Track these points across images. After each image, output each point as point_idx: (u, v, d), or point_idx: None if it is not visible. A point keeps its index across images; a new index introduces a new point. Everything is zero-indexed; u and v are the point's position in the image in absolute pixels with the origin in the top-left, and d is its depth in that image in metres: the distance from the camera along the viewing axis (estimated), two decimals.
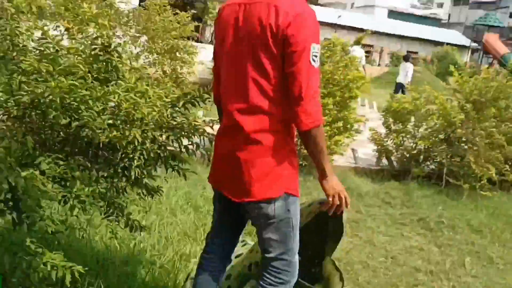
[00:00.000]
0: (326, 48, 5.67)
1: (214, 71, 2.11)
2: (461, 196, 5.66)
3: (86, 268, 1.95)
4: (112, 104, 1.81)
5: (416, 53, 35.50)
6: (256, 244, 2.30)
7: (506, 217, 5.30)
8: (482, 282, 3.73)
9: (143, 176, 2.34)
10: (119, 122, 1.80)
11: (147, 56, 5.05)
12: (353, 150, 6.58)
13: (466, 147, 5.84)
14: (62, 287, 2.18)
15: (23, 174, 1.73)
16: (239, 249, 2.55)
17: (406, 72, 13.29)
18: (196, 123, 2.36)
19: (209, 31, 20.03)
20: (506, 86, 6.13)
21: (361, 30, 35.27)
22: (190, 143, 2.40)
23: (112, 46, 2.16)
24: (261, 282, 2.04)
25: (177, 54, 5.17)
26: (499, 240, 4.64)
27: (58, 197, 1.86)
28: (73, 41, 2.33)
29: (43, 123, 1.92)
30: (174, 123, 2.18)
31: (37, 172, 1.79)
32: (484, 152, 5.75)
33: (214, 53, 2.06)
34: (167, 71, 5.11)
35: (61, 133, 1.99)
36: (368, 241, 4.19)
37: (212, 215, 2.39)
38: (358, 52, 13.76)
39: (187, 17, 5.51)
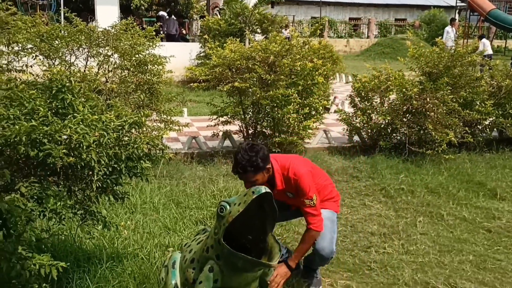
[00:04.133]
0: (284, 43, 6.13)
1: None
2: (424, 163, 6.16)
3: (68, 264, 2.49)
4: (65, 137, 2.32)
5: (404, 20, 35.77)
6: (212, 230, 2.84)
7: (465, 176, 5.80)
8: (430, 238, 4.24)
9: (109, 186, 2.87)
10: (73, 149, 2.32)
11: (121, 73, 5.55)
12: (325, 131, 7.07)
13: (424, 116, 6.30)
14: (52, 282, 2.74)
15: (6, 199, 2.26)
16: (200, 237, 3.09)
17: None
18: (152, 137, 2.91)
19: (196, 26, 20.35)
20: (458, 56, 6.60)
21: (347, 4, 35.55)
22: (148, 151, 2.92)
23: (68, 84, 2.67)
24: None
25: (148, 67, 5.68)
26: (453, 199, 5.14)
27: (36, 213, 2.39)
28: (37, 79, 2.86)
29: (17, 156, 2.44)
30: (125, 140, 2.69)
31: (17, 195, 2.32)
32: (442, 118, 6.22)
33: None
34: (141, 84, 5.62)
35: (34, 161, 2.51)
36: None
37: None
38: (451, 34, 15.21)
39: (154, 29, 5.97)
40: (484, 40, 17.06)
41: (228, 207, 2.72)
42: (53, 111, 2.58)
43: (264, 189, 2.58)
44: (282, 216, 3.39)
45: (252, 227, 2.86)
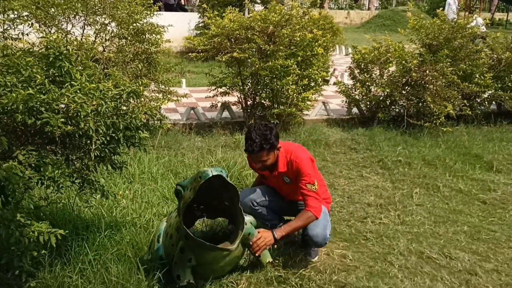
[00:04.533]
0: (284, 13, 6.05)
1: None
2: (422, 135, 6.17)
3: (67, 231, 2.51)
4: (63, 106, 2.31)
5: None
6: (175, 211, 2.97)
7: (462, 149, 5.82)
8: (426, 209, 4.29)
9: (107, 155, 2.87)
10: (70, 118, 2.32)
11: (118, 42, 5.48)
12: (324, 103, 7.05)
13: (423, 89, 6.27)
14: (51, 249, 2.77)
15: (4, 166, 2.26)
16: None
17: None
18: (151, 107, 2.91)
19: None
20: (458, 27, 6.53)
21: None
22: (146, 121, 2.92)
23: (65, 51, 2.65)
24: None
25: (146, 36, 5.61)
26: (450, 171, 5.17)
27: (34, 180, 2.40)
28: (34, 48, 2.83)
29: (15, 124, 2.44)
30: (123, 110, 2.68)
31: (15, 163, 2.33)
32: (440, 91, 6.20)
33: None
34: (139, 53, 5.56)
35: (31, 130, 2.51)
36: (329, 185, 4.72)
37: None
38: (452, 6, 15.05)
39: None
40: (478, 18, 16.95)
41: (182, 191, 2.75)
42: (50, 79, 2.56)
43: (211, 172, 2.59)
44: (277, 206, 3.42)
45: (216, 196, 2.93)
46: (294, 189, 3.25)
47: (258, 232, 3.01)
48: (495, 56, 7.11)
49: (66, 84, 2.54)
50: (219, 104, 6.69)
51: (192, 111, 6.67)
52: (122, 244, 3.23)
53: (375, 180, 4.91)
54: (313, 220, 3.10)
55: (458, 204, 4.41)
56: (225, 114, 6.77)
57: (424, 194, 4.59)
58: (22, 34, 3.86)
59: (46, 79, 2.51)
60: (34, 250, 2.37)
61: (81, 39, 5.18)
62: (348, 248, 3.52)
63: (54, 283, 2.76)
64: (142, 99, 4.65)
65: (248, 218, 3.03)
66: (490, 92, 7.02)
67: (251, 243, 2.96)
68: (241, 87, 6.33)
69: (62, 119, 2.27)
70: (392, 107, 6.75)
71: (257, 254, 2.99)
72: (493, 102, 7.44)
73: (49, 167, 2.44)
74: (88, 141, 2.72)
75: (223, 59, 6.07)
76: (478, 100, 7.20)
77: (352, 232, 3.79)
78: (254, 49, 6.05)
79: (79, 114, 2.28)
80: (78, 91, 2.42)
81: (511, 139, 6.41)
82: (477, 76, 6.81)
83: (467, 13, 20.97)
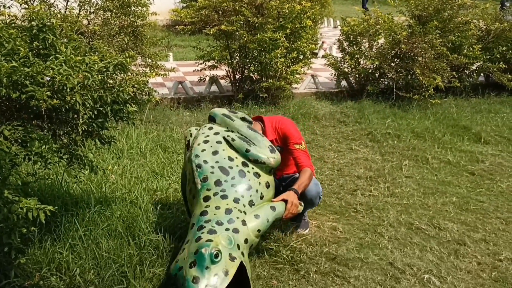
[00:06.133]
0: None
1: None
2: (411, 108, 6.18)
3: (56, 207, 2.48)
4: (48, 78, 2.25)
5: None
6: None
7: (450, 121, 5.85)
8: (415, 180, 4.32)
9: (95, 130, 2.82)
10: (56, 91, 2.26)
11: (103, 15, 5.35)
12: (313, 76, 7.00)
13: (412, 61, 6.25)
14: (40, 225, 2.75)
15: None
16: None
17: None
18: (139, 80, 2.86)
19: None
20: None
21: None
22: (133, 95, 2.87)
23: (49, 23, 2.57)
24: None
25: (131, 8, 5.48)
26: (439, 143, 5.20)
27: (21, 156, 2.35)
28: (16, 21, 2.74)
29: None
30: (110, 83, 2.63)
31: (1, 138, 2.28)
32: (430, 63, 6.19)
33: None
34: (124, 26, 5.44)
35: (16, 104, 2.45)
36: (319, 158, 4.73)
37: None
38: None
39: None
40: None
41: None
42: (34, 52, 2.49)
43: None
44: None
45: None
46: (285, 158, 3.22)
47: (283, 200, 2.84)
48: (484, 27, 7.09)
49: (51, 57, 2.47)
50: (207, 78, 6.61)
51: (180, 86, 6.59)
52: (113, 219, 3.21)
53: (365, 153, 4.91)
54: (312, 176, 3.09)
55: (446, 175, 4.44)
56: (214, 88, 6.70)
57: (413, 166, 4.62)
58: (4, 6, 3.75)
59: (30, 52, 2.44)
60: (23, 226, 2.34)
61: (65, 11, 5.05)
62: (338, 221, 3.54)
63: (44, 259, 2.74)
64: (129, 73, 4.56)
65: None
66: (478, 63, 7.02)
67: (283, 217, 2.84)
68: (229, 61, 6.25)
69: (48, 93, 2.21)
70: (381, 79, 6.73)
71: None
72: (481, 74, 7.44)
73: (36, 142, 2.40)
74: (75, 116, 2.66)
75: (211, 32, 5.98)
76: (467, 72, 7.20)
77: (342, 204, 3.81)
78: (242, 22, 5.96)
79: (65, 87, 2.22)
80: (63, 64, 2.35)
81: (499, 111, 6.45)
82: (466, 47, 6.79)
83: None
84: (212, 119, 3.18)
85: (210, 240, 2.40)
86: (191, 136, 3.18)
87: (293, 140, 3.14)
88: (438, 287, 2.78)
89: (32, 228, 2.46)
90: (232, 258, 2.39)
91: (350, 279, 2.81)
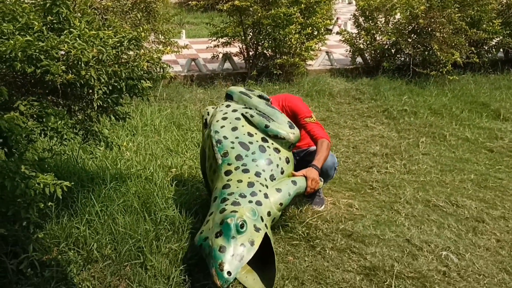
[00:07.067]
0: None
1: None
2: (428, 84, 6.07)
3: (73, 183, 2.48)
4: (62, 53, 2.22)
5: None
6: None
7: (469, 97, 5.74)
8: (432, 158, 4.25)
9: (110, 106, 2.81)
10: (71, 66, 2.23)
11: None
12: (327, 53, 6.90)
13: (430, 36, 6.12)
14: (57, 201, 2.76)
15: (5, 116, 2.20)
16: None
17: None
18: (153, 55, 2.82)
19: None
20: None
21: None
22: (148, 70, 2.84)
23: None
24: None
25: None
26: (456, 120, 5.11)
27: (37, 131, 2.34)
28: None
29: (14, 73, 2.36)
30: (124, 58, 2.60)
31: (17, 114, 2.27)
32: (448, 38, 6.05)
33: None
34: (137, 2, 5.39)
35: (31, 79, 2.43)
36: (334, 136, 4.68)
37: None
38: None
39: None
40: None
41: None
42: (48, 26, 2.46)
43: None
44: None
45: None
46: (297, 125, 3.16)
47: (304, 176, 2.80)
48: (505, 1, 6.89)
49: (65, 32, 2.44)
50: (220, 55, 6.55)
51: (193, 63, 6.55)
52: (128, 195, 3.21)
53: (380, 130, 4.85)
54: (329, 146, 3.03)
55: (464, 152, 4.37)
56: (227, 65, 6.65)
57: (430, 143, 4.55)
58: None
59: (44, 26, 2.41)
60: (40, 201, 2.34)
61: None
62: (354, 198, 3.51)
63: (62, 234, 2.76)
64: (142, 50, 4.53)
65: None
66: (498, 39, 6.85)
67: (305, 193, 2.83)
68: (243, 37, 6.17)
69: (63, 67, 2.18)
70: (398, 55, 6.61)
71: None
72: (501, 49, 7.27)
73: (52, 118, 2.38)
74: (90, 91, 2.64)
75: (224, 8, 5.89)
76: (486, 48, 7.04)
77: (358, 181, 3.77)
78: None
79: (79, 61, 2.20)
80: (77, 38, 2.32)
81: None
82: (485, 22, 6.62)
83: None
84: (229, 97, 3.14)
85: (235, 211, 2.39)
86: (208, 114, 3.16)
87: (302, 115, 3.09)
88: (456, 264, 2.75)
89: (49, 203, 2.46)
90: (257, 229, 2.38)
91: (366, 255, 2.79)
